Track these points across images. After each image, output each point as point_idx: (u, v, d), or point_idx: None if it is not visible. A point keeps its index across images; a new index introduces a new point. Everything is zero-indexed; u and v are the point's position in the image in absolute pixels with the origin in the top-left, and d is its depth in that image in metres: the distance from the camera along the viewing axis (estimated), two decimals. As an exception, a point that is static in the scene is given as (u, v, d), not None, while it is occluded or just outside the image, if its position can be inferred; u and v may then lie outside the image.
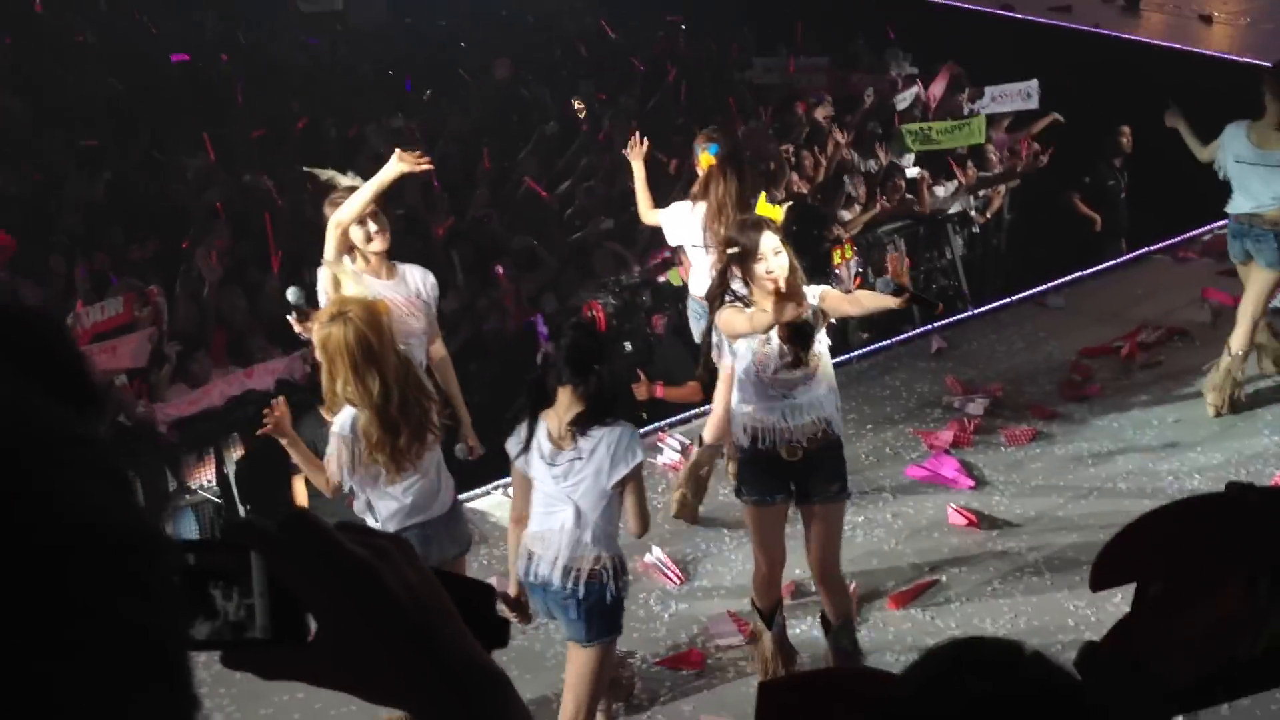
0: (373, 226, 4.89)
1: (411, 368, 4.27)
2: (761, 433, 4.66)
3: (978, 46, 12.20)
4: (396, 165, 4.82)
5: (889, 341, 7.61)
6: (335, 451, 4.21)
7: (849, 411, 6.91)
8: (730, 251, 4.51)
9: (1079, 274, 8.11)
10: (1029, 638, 4.71)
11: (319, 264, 5.05)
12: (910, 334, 7.69)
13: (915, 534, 5.91)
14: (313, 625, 0.89)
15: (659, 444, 6.61)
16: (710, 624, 5.38)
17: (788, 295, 4.33)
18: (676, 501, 6.05)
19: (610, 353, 5.38)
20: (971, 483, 6.14)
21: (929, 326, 7.72)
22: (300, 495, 6.27)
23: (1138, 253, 8.31)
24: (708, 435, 6.01)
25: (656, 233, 6.65)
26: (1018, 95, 10.03)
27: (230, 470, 6.59)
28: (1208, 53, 12.34)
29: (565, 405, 4.11)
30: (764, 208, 4.71)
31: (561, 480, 4.11)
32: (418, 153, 5.02)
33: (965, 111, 10.10)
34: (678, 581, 5.66)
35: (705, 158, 5.73)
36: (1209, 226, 8.58)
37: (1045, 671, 1.32)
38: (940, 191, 9.37)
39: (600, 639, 4.21)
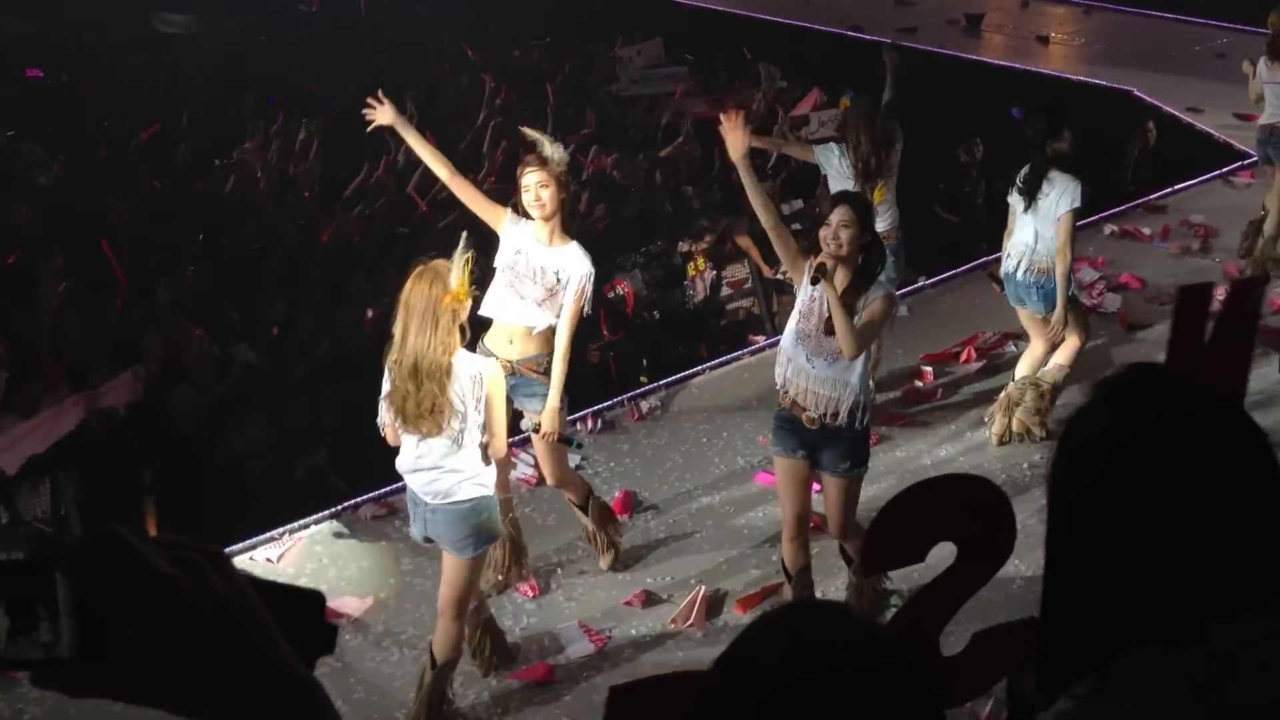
0: (534, 195, 5.23)
1: (439, 364, 4.43)
2: (784, 384, 5.01)
3: (829, 67, 12.52)
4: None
5: (740, 351, 7.73)
6: None
7: (700, 422, 7.03)
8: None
9: (921, 284, 8.33)
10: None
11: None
12: (762, 343, 7.83)
13: (764, 539, 6.01)
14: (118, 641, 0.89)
15: (514, 458, 6.61)
16: (561, 634, 5.40)
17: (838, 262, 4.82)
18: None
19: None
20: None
21: (778, 336, 7.85)
22: (149, 524, 6.16)
23: (975, 263, 8.58)
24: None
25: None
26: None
27: (67, 500, 6.40)
28: (1046, 71, 12.82)
29: None
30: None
31: None
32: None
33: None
34: (532, 594, 5.67)
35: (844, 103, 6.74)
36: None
37: (872, 629, 1.35)
38: (786, 209, 9.55)
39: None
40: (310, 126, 10.41)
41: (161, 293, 7.75)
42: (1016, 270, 6.45)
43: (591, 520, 5.76)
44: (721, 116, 5.19)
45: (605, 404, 7.04)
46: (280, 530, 6.17)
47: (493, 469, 4.74)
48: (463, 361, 4.50)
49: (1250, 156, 9.99)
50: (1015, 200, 6.43)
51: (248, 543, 6.09)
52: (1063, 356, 6.48)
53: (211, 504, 6.42)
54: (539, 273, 5.31)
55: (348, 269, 8.36)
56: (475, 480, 4.62)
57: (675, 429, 6.98)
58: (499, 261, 5.39)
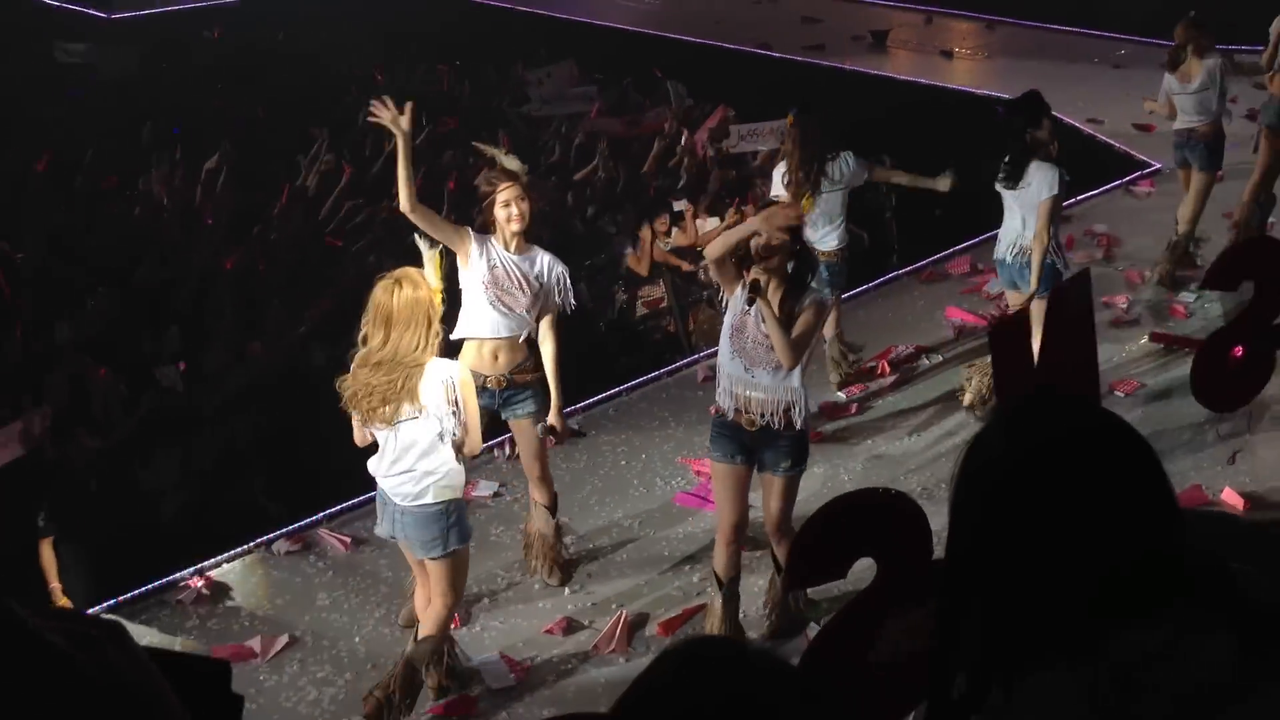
0: (514, 210, 5.33)
1: (409, 368, 4.55)
2: (728, 398, 5.08)
3: (739, 85, 12.62)
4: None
5: (657, 372, 7.73)
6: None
7: (619, 445, 7.01)
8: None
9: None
10: (793, 655, 4.84)
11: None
12: (677, 364, 7.83)
13: (684, 561, 6.00)
14: None
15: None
16: (481, 666, 5.34)
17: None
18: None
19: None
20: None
21: (695, 356, 7.88)
22: (50, 566, 5.98)
23: (885, 277, 8.67)
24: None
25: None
26: (770, 134, 10.36)
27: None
28: (951, 86, 13.02)
29: None
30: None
31: None
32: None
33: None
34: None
35: (790, 117, 6.98)
36: (948, 250, 9.03)
37: (771, 662, 1.35)
38: (704, 225, 9.59)
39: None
40: (219, 153, 10.25)
41: (62, 329, 7.56)
42: (1006, 254, 6.78)
43: (549, 529, 5.78)
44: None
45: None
46: (191, 570, 6.04)
47: (462, 472, 4.81)
48: (432, 366, 4.61)
49: (1150, 165, 10.24)
50: (1001, 188, 6.76)
51: (157, 584, 5.95)
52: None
53: (117, 547, 6.26)
54: (522, 280, 5.42)
55: (258, 297, 8.23)
56: (445, 483, 4.72)
57: (594, 452, 6.95)
58: (474, 280, 5.40)
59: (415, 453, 4.66)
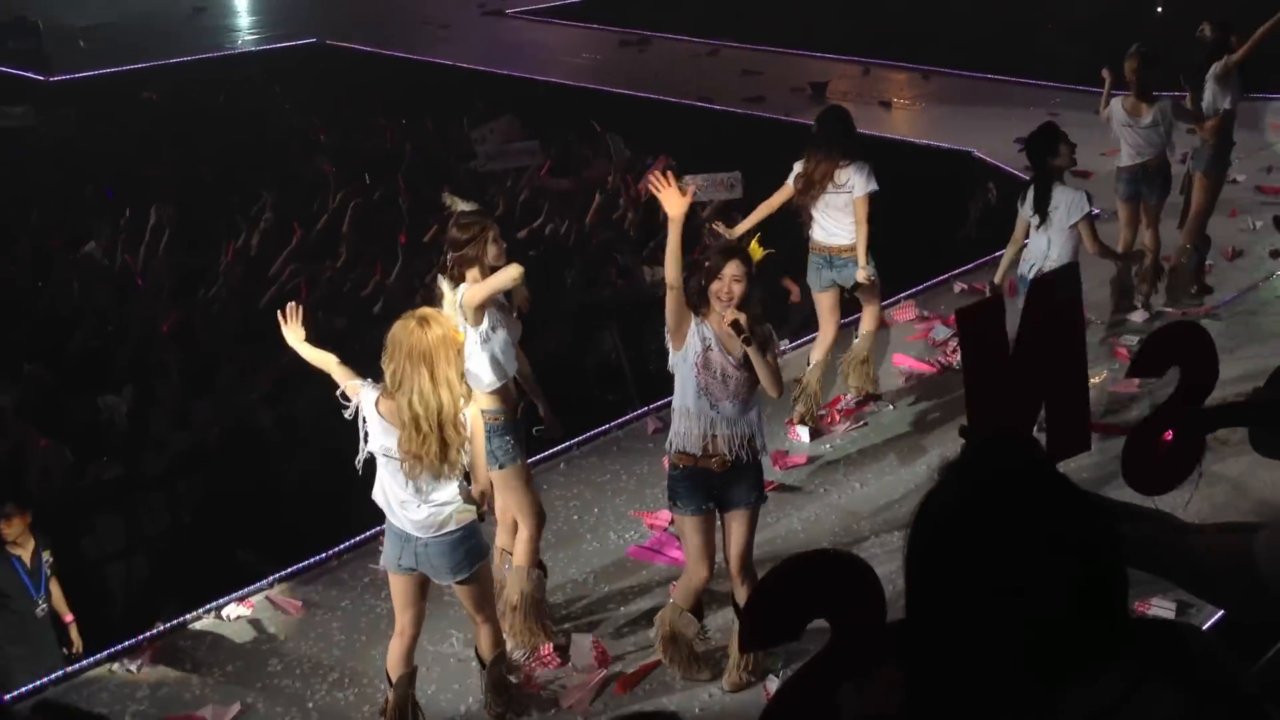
0: (498, 251, 5.42)
1: (448, 411, 4.67)
2: (698, 440, 5.15)
3: (680, 137, 12.74)
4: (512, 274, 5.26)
5: (607, 425, 7.73)
6: (362, 402, 4.81)
7: (571, 499, 6.99)
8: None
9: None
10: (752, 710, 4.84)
11: None
12: (628, 416, 7.84)
13: (639, 616, 5.97)
14: None
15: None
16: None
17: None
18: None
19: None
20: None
21: (645, 409, 7.88)
22: None
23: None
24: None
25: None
26: (722, 185, 10.44)
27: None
28: (890, 136, 13.21)
29: None
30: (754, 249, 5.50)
31: None
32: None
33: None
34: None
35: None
36: (895, 297, 9.11)
37: None
38: (649, 274, 9.64)
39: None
40: (160, 215, 10.18)
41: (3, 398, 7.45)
42: (1030, 273, 7.04)
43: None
44: (653, 177, 5.28)
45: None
46: (139, 637, 5.93)
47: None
48: (470, 408, 4.85)
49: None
50: (1028, 214, 7.22)
51: (106, 653, 5.84)
52: None
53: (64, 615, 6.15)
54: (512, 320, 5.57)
55: (200, 358, 8.14)
56: (460, 507, 4.87)
57: (546, 507, 6.91)
58: (484, 336, 5.35)
59: (431, 487, 4.80)
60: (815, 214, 7.29)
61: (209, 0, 22.62)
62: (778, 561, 1.97)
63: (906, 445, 7.36)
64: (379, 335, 4.82)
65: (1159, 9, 18.69)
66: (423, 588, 5.03)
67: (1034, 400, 2.18)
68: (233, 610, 6.14)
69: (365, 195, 10.91)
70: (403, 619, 5.03)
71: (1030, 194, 7.23)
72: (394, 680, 5.02)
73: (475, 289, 5.26)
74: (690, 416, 5.20)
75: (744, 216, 7.56)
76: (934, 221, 10.79)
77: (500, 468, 5.45)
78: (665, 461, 5.50)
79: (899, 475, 7.05)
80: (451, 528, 4.84)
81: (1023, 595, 1.56)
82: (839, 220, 7.24)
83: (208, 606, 6.15)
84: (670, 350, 5.27)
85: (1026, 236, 7.33)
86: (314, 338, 5.21)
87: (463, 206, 5.66)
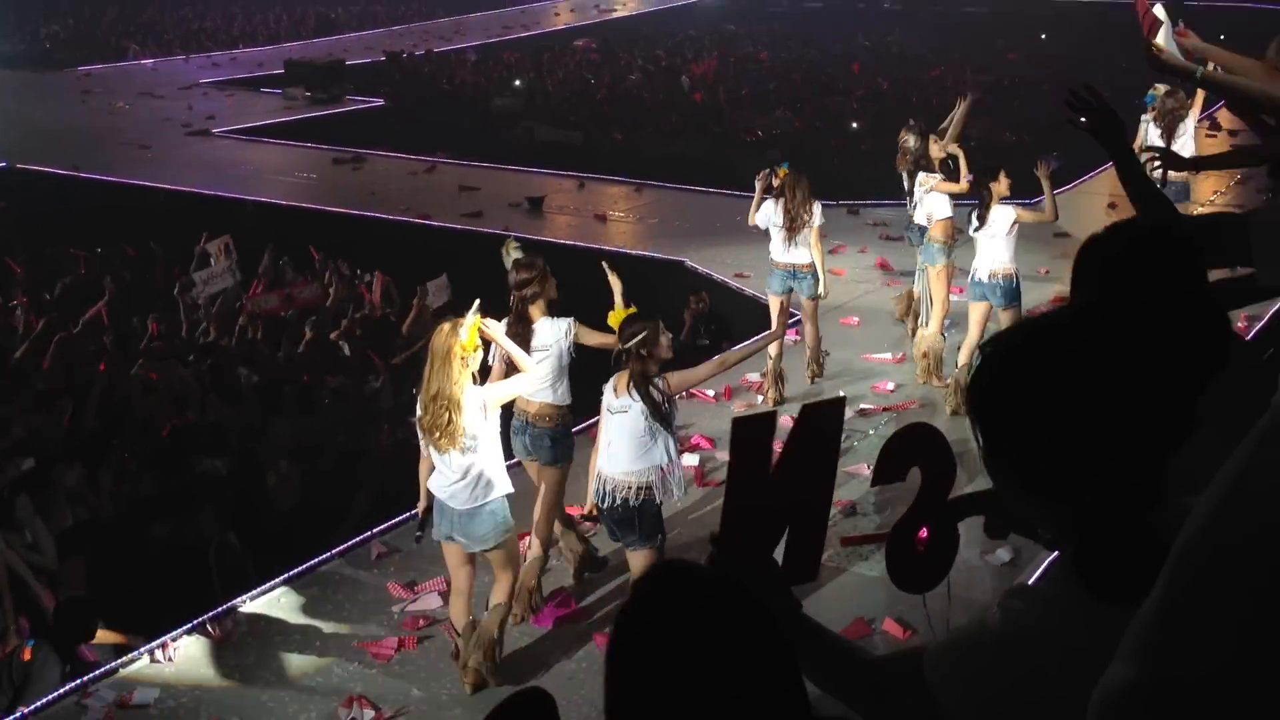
0: (553, 281, 6.75)
1: (453, 395, 5.66)
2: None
3: (400, 254, 12.64)
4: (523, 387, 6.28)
5: (328, 554, 7.40)
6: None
7: (291, 646, 6.62)
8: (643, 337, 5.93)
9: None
10: None
11: None
12: (348, 543, 7.53)
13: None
14: None
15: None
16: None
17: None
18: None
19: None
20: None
21: (370, 532, 7.60)
22: None
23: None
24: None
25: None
26: (439, 290, 10.61)
27: None
28: (607, 247, 13.48)
29: None
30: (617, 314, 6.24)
31: None
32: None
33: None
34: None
35: (781, 172, 9.17)
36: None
37: None
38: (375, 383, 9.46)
39: None
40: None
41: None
42: (984, 276, 8.89)
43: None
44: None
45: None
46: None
47: (501, 478, 5.84)
48: (471, 394, 5.72)
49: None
50: (974, 232, 8.94)
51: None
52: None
53: None
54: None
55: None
56: (489, 485, 5.80)
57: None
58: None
59: (461, 465, 5.74)
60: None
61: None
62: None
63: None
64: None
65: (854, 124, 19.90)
66: (470, 553, 5.94)
67: (782, 521, 2.23)
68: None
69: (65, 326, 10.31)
70: (457, 578, 6.01)
71: (974, 215, 8.92)
72: (459, 631, 5.96)
73: (501, 391, 6.07)
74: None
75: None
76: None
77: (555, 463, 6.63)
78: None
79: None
80: (480, 500, 5.77)
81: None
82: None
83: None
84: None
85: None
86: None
87: (516, 255, 6.71)
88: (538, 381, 6.39)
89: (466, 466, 5.74)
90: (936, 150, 9.80)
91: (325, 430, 8.90)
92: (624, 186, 16.51)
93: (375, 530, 7.62)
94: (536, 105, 22.13)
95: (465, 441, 5.69)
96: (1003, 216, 8.74)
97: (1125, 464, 1.61)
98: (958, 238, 9.57)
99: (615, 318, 6.23)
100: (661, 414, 5.86)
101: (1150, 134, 11.29)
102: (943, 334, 9.54)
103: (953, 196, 9.54)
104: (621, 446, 5.91)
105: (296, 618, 6.80)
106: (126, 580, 7.07)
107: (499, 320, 6.38)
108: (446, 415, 5.64)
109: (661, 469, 5.90)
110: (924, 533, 2.43)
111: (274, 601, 6.94)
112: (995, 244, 8.79)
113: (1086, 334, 1.65)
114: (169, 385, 9.20)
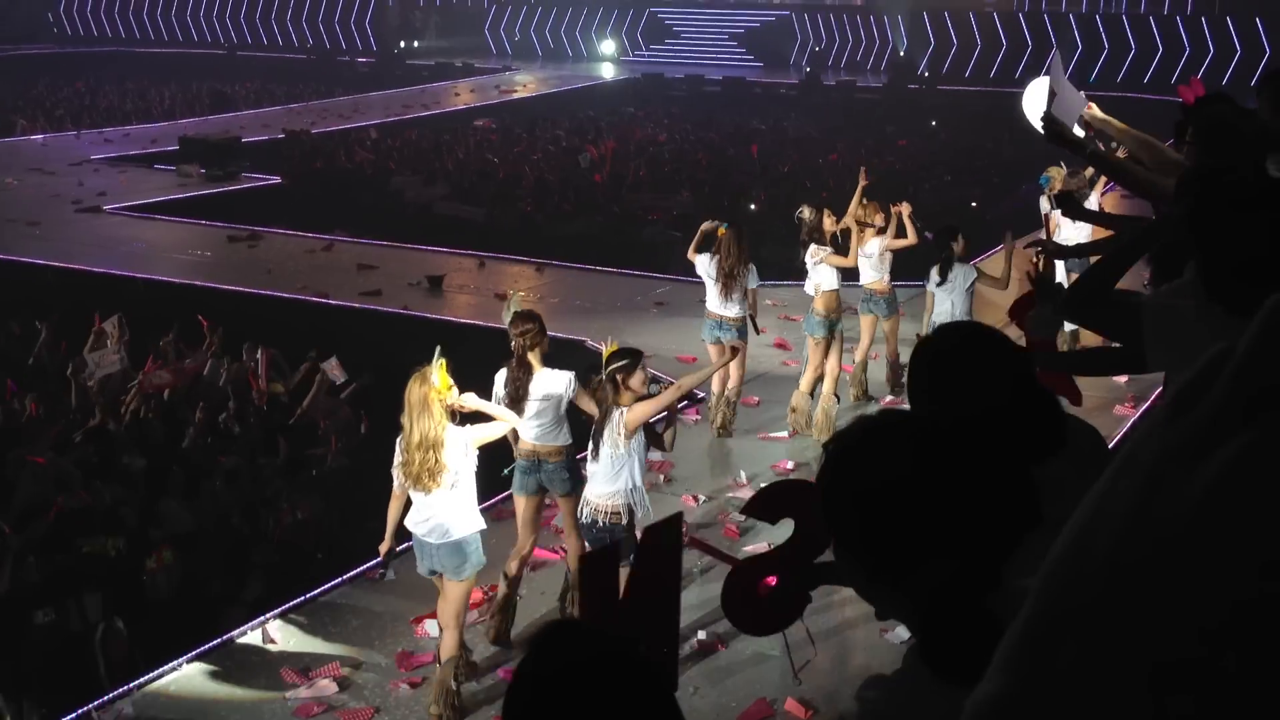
0: (546, 337, 7.42)
1: (436, 438, 6.11)
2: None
3: (288, 332, 12.46)
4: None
5: (218, 640, 7.17)
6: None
7: None
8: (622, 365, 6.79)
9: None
10: None
11: None
12: (240, 629, 7.31)
13: None
14: None
15: None
16: None
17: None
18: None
19: None
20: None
21: (263, 618, 7.39)
22: None
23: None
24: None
25: None
26: (337, 369, 10.53)
27: None
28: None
29: None
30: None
31: None
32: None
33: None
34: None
35: (721, 230, 9.86)
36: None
37: None
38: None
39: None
40: None
41: None
42: None
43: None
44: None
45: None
46: None
47: (477, 514, 6.35)
48: (452, 433, 6.16)
49: (698, 395, 10.92)
50: (932, 284, 9.79)
51: None
52: None
53: None
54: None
55: None
56: (464, 521, 6.26)
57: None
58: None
59: (439, 503, 6.18)
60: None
61: None
62: None
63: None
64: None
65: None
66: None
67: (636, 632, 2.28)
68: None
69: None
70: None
71: (935, 272, 9.73)
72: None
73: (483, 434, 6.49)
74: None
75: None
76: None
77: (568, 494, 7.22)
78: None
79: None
80: (454, 535, 6.19)
81: None
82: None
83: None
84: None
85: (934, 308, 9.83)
86: None
87: (516, 308, 7.40)
88: (519, 423, 7.02)
89: (446, 503, 6.19)
90: (830, 224, 10.09)
91: (216, 512, 8.66)
92: (525, 265, 16.53)
93: (269, 614, 7.42)
94: (436, 183, 22.13)
95: (448, 478, 6.13)
96: (963, 274, 9.68)
97: (954, 554, 1.67)
98: (843, 312, 10.02)
99: (606, 354, 6.97)
100: (599, 423, 6.73)
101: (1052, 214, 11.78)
102: (836, 396, 10.03)
103: (841, 272, 9.97)
104: (596, 469, 6.73)
105: (180, 712, 6.57)
106: (8, 667, 6.77)
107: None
108: (433, 457, 6.07)
109: (629, 492, 6.69)
110: (772, 580, 2.44)
111: (160, 691, 6.70)
112: (954, 299, 9.66)
113: (916, 434, 1.75)
114: (53, 468, 8.89)
